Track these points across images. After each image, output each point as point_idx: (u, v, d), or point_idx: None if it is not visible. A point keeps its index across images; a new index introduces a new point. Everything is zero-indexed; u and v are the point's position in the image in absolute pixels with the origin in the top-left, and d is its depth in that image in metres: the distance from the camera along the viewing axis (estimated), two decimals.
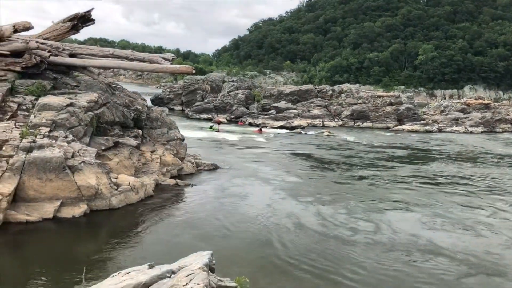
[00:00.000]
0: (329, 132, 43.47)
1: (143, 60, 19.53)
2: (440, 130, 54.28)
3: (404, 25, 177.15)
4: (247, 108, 55.11)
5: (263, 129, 44.51)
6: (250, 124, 48.56)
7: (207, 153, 26.64)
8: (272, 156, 28.06)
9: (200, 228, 13.62)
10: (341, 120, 54.85)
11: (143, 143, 20.12)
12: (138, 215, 14.51)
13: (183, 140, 20.89)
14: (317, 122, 52.46)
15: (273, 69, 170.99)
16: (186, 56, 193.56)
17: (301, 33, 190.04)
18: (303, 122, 49.74)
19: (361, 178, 22.94)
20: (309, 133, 43.47)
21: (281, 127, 46.87)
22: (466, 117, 59.95)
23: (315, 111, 55.21)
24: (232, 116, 53.25)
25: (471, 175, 25.79)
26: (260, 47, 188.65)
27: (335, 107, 57.08)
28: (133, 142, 18.77)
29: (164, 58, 19.06)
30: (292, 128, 46.44)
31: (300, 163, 26.20)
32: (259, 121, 50.03)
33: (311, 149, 32.69)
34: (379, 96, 59.42)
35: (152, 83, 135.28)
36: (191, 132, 35.55)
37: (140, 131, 19.75)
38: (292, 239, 13.10)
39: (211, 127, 41.86)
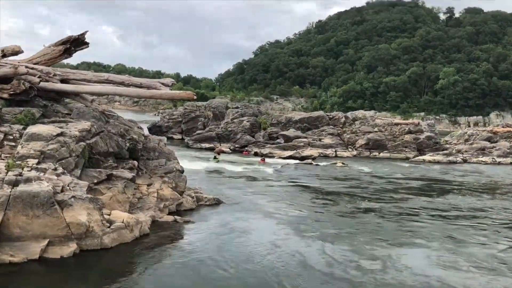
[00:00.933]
0: (343, 163, 43.31)
1: (140, 86, 19.70)
2: (464, 161, 53.97)
3: (423, 46, 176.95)
4: (253, 136, 55.45)
5: (268, 159, 44.62)
6: (256, 154, 48.68)
7: (209, 186, 26.52)
8: (279, 189, 28.03)
9: (200, 270, 13.49)
10: (356, 150, 54.65)
11: (139, 175, 20.06)
12: (133, 255, 14.40)
13: (182, 172, 20.82)
14: (329, 152, 52.46)
15: (280, 95, 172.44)
16: (187, 81, 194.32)
17: (310, 56, 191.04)
18: (314, 152, 49.58)
19: (374, 211, 22.85)
20: (321, 164, 43.32)
21: (290, 158, 46.78)
22: (493, 147, 59.84)
23: (327, 140, 55.19)
24: (237, 146, 53.22)
25: (492, 208, 25.59)
26: (266, 71, 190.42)
27: (348, 136, 56.99)
28: (128, 174, 18.70)
29: (163, 84, 19.22)
30: (302, 158, 46.31)
31: (310, 197, 26.13)
32: (265, 150, 50.05)
33: (322, 181, 32.60)
34: (396, 124, 59.49)
35: (150, 110, 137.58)
36: (192, 163, 35.52)
37: (135, 162, 19.73)
38: (298, 284, 12.95)
39: (215, 158, 41.98)
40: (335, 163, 43.52)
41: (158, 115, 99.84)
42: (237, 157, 45.02)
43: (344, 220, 20.80)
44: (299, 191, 27.87)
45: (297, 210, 22.22)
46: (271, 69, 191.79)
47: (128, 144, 19.71)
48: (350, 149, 54.66)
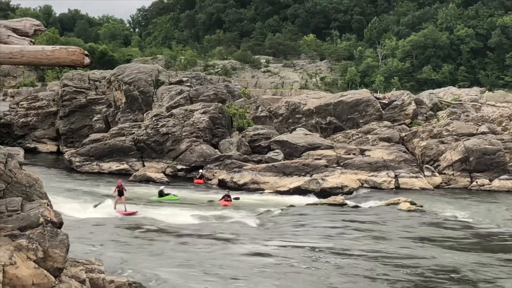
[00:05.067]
0: (412, 204, 25.76)
1: None
2: None
3: None
4: (215, 146, 34.26)
5: (247, 196, 27.95)
6: (221, 184, 30.30)
7: (122, 256, 16.06)
8: (269, 269, 15.93)
9: None
10: (440, 173, 32.80)
11: None
12: None
13: (59, 226, 11.78)
14: (382, 178, 31.24)
15: (275, 54, 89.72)
16: (67, 25, 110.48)
17: None
18: (348, 179, 29.78)
19: None
20: (364, 205, 26.38)
21: (296, 192, 28.43)
22: None
23: (378, 153, 32.98)
24: (180, 166, 33.24)
25: None
26: (243, 3, 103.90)
27: (423, 144, 33.85)
28: None
29: (14, 30, 10.22)
30: (323, 193, 27.91)
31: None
32: (243, 176, 29.93)
33: (368, 249, 18.42)
34: None
35: None
36: (82, 207, 23.23)
37: None
38: None
39: (162, 193, 27.09)
40: (397, 203, 25.75)
41: (4, 100, 59.49)
42: (183, 190, 28.97)
43: None
44: (313, 273, 15.56)
45: None
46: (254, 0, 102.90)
47: None
48: (427, 172, 32.87)
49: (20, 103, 42.64)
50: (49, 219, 11.46)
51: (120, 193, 23.78)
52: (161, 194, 27.05)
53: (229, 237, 19.56)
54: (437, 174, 33.40)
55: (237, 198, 27.16)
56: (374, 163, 32.67)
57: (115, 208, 23.54)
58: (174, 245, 18.42)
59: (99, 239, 18.47)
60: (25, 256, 10.74)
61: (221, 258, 16.83)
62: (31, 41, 9.85)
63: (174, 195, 27.33)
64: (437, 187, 32.28)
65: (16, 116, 40.74)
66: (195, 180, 31.75)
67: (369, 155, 33.65)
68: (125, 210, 23.30)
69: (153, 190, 28.38)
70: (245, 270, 15.73)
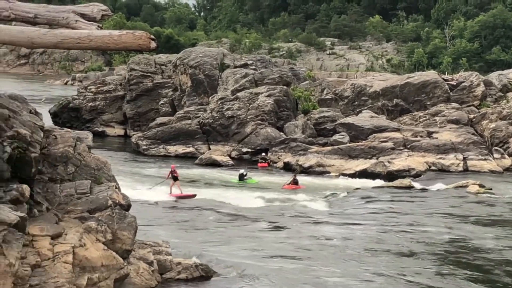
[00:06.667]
0: (481, 186, 25.53)
1: (33, 21, 10.59)
2: None
3: None
4: (281, 129, 34.48)
5: (313, 179, 27.64)
6: (286, 167, 30.24)
7: (188, 239, 16.52)
8: (335, 250, 16.03)
9: None
10: (509, 155, 32.44)
11: (34, 215, 11.55)
12: None
13: (128, 208, 12.04)
14: (450, 160, 30.96)
15: (341, 36, 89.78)
16: (134, 9, 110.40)
17: None
18: (415, 161, 29.97)
19: None
20: (431, 187, 26.38)
21: (363, 175, 28.78)
22: None
23: (446, 135, 32.72)
24: (246, 149, 33.47)
25: None
26: None
27: (492, 126, 33.60)
28: (11, 215, 10.55)
29: (82, 15, 10.25)
30: (390, 176, 28.09)
31: (409, 271, 14.31)
32: (308, 159, 30.28)
33: (438, 233, 18.10)
34: None
35: (54, 73, 79.11)
36: (149, 190, 23.44)
37: (26, 187, 11.16)
38: None
39: (242, 177, 26.84)
40: (465, 186, 25.66)
41: (72, 85, 61.31)
42: (249, 174, 28.56)
43: None
44: (380, 257, 15.40)
45: None
46: None
47: (8, 149, 11.04)
48: (497, 154, 32.04)
49: (88, 87, 42.56)
50: (117, 201, 11.72)
51: (175, 178, 23.64)
52: (241, 177, 26.91)
53: (295, 220, 19.47)
54: (506, 156, 31.83)
55: (294, 181, 26.37)
56: (442, 146, 31.65)
57: (170, 192, 23.52)
58: (239, 228, 18.51)
59: (166, 221, 18.80)
60: (95, 238, 11.10)
61: (287, 241, 16.78)
62: (98, 26, 9.92)
63: (252, 178, 27.11)
64: (507, 169, 30.67)
65: (85, 101, 40.98)
66: (259, 164, 31.27)
67: (437, 138, 32.59)
68: (181, 193, 23.25)
69: (215, 174, 28.47)
70: (313, 253, 15.58)
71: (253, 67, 40.11)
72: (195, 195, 23.36)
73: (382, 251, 15.93)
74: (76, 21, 10.01)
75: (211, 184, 26.64)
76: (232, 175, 27.91)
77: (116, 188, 12.17)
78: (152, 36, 9.40)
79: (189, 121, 35.06)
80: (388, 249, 16.06)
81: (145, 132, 35.58)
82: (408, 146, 31.72)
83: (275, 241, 16.81)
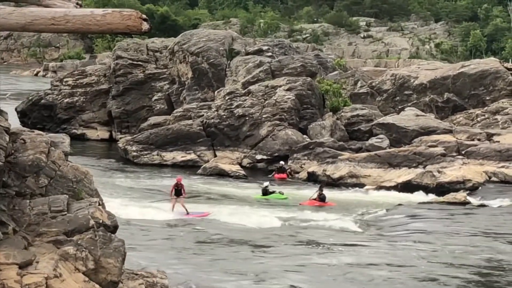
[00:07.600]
0: None
1: None
2: None
3: None
4: (304, 129, 31.11)
5: (344, 194, 25.29)
6: (311, 178, 27.20)
7: (189, 268, 15.33)
8: (373, 283, 14.49)
9: None
10: None
11: None
12: None
13: (114, 229, 11.57)
14: None
15: (378, 16, 79.28)
16: None
17: None
18: (472, 171, 26.76)
19: None
20: (491, 203, 23.96)
21: (405, 188, 25.88)
22: None
23: (510, 137, 29.57)
24: (260, 156, 30.03)
25: None
26: None
27: None
28: None
29: None
30: (440, 189, 25.27)
31: None
32: (339, 168, 27.14)
33: (500, 261, 16.47)
34: None
35: (22, 62, 69.09)
36: (142, 207, 21.44)
37: None
38: None
39: (266, 191, 24.47)
40: None
41: (44, 76, 55.50)
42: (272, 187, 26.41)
43: None
44: None
45: None
46: None
47: None
48: None
49: (64, 79, 37.70)
50: (101, 221, 11.23)
51: (178, 192, 21.38)
52: (265, 192, 24.55)
53: (319, 244, 17.90)
54: None
55: (281, 193, 24.41)
56: (505, 151, 28.14)
57: (172, 210, 21.35)
58: (252, 252, 17.16)
59: (160, 246, 17.22)
60: (73, 267, 10.61)
61: (306, 269, 15.32)
62: (77, 4, 9.66)
63: (280, 192, 24.71)
64: None
65: (60, 96, 36.28)
66: (276, 175, 28.11)
67: (499, 141, 29.10)
68: (187, 213, 21.13)
69: (229, 188, 26.06)
70: (339, 285, 14.10)
71: (270, 53, 36.16)
72: (207, 214, 21.21)
73: (432, 282, 14.42)
74: None
75: (219, 200, 24.32)
76: (246, 188, 25.43)
77: (99, 204, 11.67)
78: (144, 16, 8.64)
79: (190, 121, 31.58)
80: (440, 280, 14.47)
81: (135, 135, 31.88)
82: (463, 152, 28.54)
83: (293, 269, 15.43)
